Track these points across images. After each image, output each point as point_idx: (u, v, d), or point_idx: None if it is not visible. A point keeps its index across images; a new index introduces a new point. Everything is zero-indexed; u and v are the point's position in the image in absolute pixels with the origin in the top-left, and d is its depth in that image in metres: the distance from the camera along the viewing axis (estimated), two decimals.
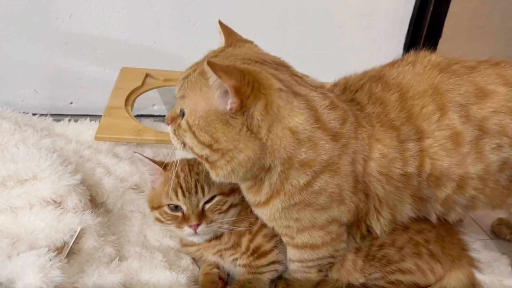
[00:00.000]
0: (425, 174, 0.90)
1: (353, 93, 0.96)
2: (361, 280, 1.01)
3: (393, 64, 0.99)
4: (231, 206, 1.01)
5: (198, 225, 0.96)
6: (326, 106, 0.84)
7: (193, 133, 0.79)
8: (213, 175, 0.83)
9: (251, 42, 0.95)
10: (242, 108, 0.75)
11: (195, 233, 0.97)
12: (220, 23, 0.97)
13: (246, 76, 0.75)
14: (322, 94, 0.85)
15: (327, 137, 0.82)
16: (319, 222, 0.89)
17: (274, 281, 1.08)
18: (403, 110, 0.90)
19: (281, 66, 0.87)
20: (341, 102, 0.89)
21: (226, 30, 0.95)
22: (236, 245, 1.03)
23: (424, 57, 0.97)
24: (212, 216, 0.98)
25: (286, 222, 0.90)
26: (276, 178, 0.83)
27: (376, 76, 0.97)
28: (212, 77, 0.75)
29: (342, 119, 0.85)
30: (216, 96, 0.76)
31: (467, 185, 0.92)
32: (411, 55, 0.99)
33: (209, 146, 0.78)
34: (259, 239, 1.02)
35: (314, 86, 0.87)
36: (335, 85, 1.01)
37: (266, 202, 0.88)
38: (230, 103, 0.75)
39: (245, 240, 1.02)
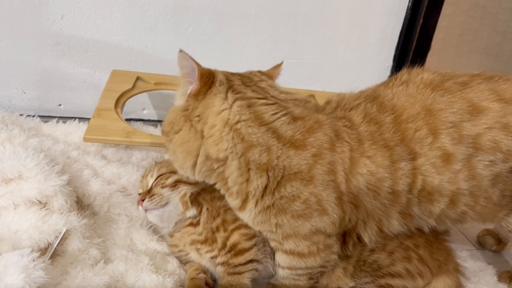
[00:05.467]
0: (416, 191, 0.91)
1: (347, 110, 0.97)
2: (351, 284, 1.01)
3: (387, 84, 1.00)
4: (178, 181, 1.08)
5: (143, 200, 1.05)
6: (285, 121, 0.89)
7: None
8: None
9: None
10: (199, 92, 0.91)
11: (144, 209, 1.06)
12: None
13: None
14: (280, 107, 0.91)
15: (282, 145, 0.87)
16: (301, 231, 0.91)
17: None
18: (398, 132, 0.91)
19: (240, 75, 0.98)
20: (315, 116, 0.92)
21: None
22: (211, 241, 1.04)
23: (417, 75, 0.98)
24: (155, 190, 1.06)
25: (269, 227, 0.93)
26: (236, 175, 0.90)
27: (372, 96, 0.98)
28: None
29: (306, 129, 0.88)
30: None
31: (459, 201, 0.93)
32: (405, 73, 1.00)
33: (163, 131, 0.98)
34: (235, 237, 1.02)
35: (276, 98, 0.94)
36: (327, 102, 1.03)
37: (243, 206, 0.93)
38: (193, 86, 0.92)
39: (220, 236, 1.03)
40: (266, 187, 0.88)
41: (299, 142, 0.87)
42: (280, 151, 0.87)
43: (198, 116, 0.90)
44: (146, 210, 1.06)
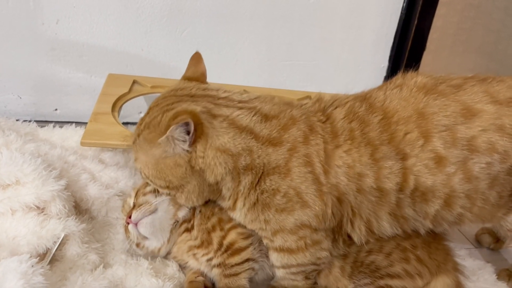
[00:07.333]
0: (408, 190, 0.92)
1: (333, 108, 0.98)
2: (350, 286, 1.01)
3: (381, 87, 1.01)
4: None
5: (130, 217, 1.02)
6: (256, 120, 0.92)
7: (151, 181, 0.95)
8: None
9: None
10: (196, 139, 0.87)
11: (134, 224, 1.02)
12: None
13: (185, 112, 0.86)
14: (249, 109, 0.93)
15: (260, 144, 0.90)
16: (287, 225, 0.93)
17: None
18: (385, 133, 0.91)
19: (197, 97, 0.95)
20: (289, 113, 0.94)
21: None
22: (207, 243, 1.03)
23: (411, 79, 0.98)
24: (139, 201, 1.05)
25: (259, 224, 0.96)
26: (231, 184, 0.93)
27: (362, 97, 0.99)
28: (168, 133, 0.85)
29: (281, 127, 0.92)
30: (166, 149, 0.89)
31: (454, 203, 0.94)
32: (399, 77, 1.01)
33: (167, 187, 0.94)
34: (232, 236, 1.02)
35: (243, 102, 0.95)
36: (311, 99, 1.06)
37: (234, 206, 0.96)
38: (189, 138, 0.86)
39: (216, 236, 1.03)
40: (251, 184, 0.92)
41: (276, 139, 0.91)
42: (260, 150, 0.90)
43: (201, 157, 0.89)
44: (136, 224, 1.02)
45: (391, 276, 0.99)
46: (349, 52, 1.98)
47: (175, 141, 0.87)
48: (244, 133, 0.90)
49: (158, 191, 1.06)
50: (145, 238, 1.05)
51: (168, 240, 1.07)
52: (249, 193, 0.92)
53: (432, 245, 1.04)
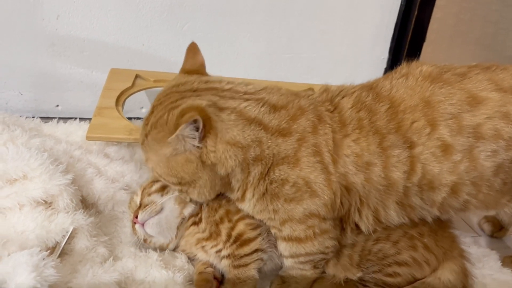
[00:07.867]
0: (416, 178, 0.92)
1: (341, 97, 0.99)
2: (359, 274, 1.02)
3: (387, 76, 1.01)
4: (164, 186, 1.07)
5: (137, 216, 1.03)
6: (265, 111, 0.92)
7: (164, 179, 0.95)
8: (190, 199, 1.03)
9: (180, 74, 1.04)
10: (205, 134, 0.87)
11: (141, 224, 1.03)
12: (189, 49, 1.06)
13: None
14: (257, 101, 0.93)
15: (270, 135, 0.90)
16: (296, 214, 0.94)
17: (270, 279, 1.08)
18: (392, 122, 0.92)
19: (200, 90, 0.94)
20: (298, 103, 0.95)
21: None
22: (215, 235, 1.04)
23: (416, 68, 0.99)
24: (145, 201, 1.06)
25: (268, 214, 0.96)
26: (240, 176, 0.93)
27: (368, 86, 1.00)
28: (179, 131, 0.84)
29: (290, 117, 0.92)
30: (177, 147, 0.88)
31: (461, 190, 0.95)
32: (404, 67, 1.01)
33: (179, 183, 0.93)
34: (241, 227, 1.02)
35: (249, 93, 0.95)
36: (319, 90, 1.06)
37: (243, 197, 0.96)
38: (198, 134, 0.86)
39: (224, 228, 1.03)
40: (260, 174, 0.92)
41: (286, 130, 0.91)
42: (269, 141, 0.90)
43: (212, 151, 0.88)
44: (143, 225, 1.03)
45: (399, 263, 1.00)
46: (349, 44, 1.98)
47: (185, 139, 0.86)
48: (253, 125, 0.90)
49: (163, 190, 1.07)
50: (152, 236, 1.06)
51: (176, 236, 1.08)
52: (258, 184, 0.93)
53: (438, 232, 1.05)
